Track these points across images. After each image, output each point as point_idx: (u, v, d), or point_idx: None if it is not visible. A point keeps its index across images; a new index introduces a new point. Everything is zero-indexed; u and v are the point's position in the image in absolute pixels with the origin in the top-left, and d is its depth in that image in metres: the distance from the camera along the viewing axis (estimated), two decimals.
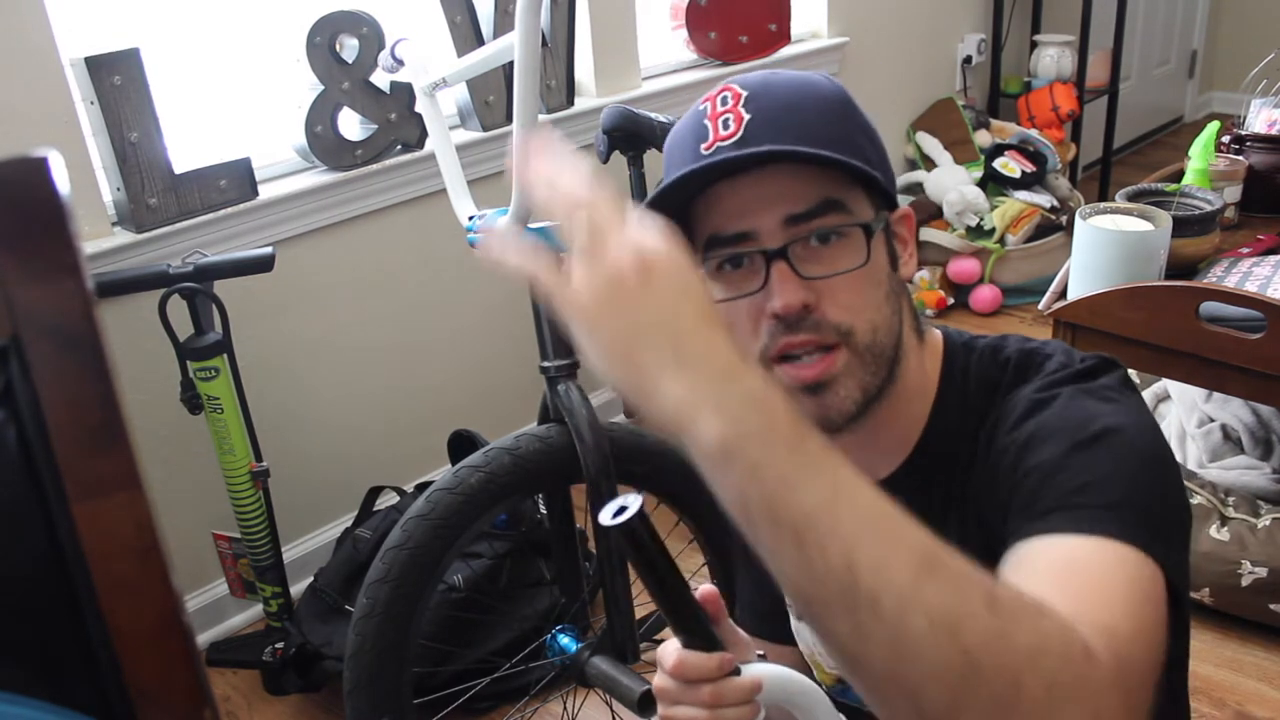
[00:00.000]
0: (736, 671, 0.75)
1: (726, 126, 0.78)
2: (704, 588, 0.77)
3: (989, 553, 0.82)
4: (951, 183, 3.27)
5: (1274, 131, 2.07)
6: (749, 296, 0.79)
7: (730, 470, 0.54)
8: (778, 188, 0.77)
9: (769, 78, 0.81)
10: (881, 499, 0.56)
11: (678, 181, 0.78)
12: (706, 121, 0.80)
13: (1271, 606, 1.89)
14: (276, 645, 1.97)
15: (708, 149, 0.78)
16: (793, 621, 1.01)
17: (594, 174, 0.57)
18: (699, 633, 0.74)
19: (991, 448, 0.81)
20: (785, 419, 0.54)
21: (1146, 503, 0.71)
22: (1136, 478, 0.73)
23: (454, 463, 2.04)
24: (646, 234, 0.56)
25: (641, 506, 0.66)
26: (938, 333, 0.89)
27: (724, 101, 0.79)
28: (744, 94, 0.79)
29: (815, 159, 0.76)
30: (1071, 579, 0.66)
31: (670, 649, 0.76)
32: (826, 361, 0.78)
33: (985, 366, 0.86)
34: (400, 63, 1.75)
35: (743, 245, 0.79)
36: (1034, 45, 3.87)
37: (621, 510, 0.63)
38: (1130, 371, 0.85)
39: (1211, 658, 1.89)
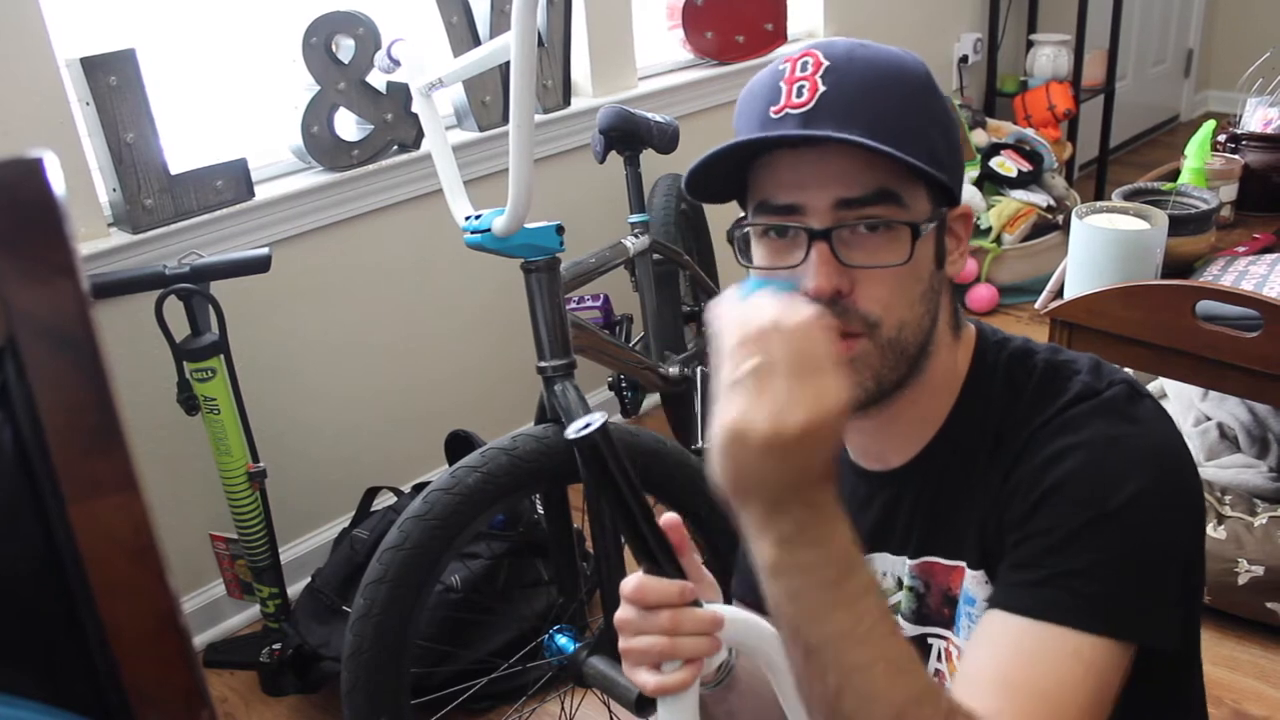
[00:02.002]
0: (698, 604, 0.73)
1: (800, 94, 0.77)
2: (667, 516, 0.76)
3: (989, 554, 0.83)
4: None
5: (1270, 130, 2.07)
6: (789, 269, 0.79)
7: (775, 586, 0.66)
8: (836, 168, 0.77)
9: (855, 51, 0.79)
10: (892, 645, 0.66)
11: (737, 145, 0.78)
12: (782, 84, 0.79)
13: (1268, 605, 1.90)
14: (274, 646, 1.97)
15: (776, 113, 0.78)
16: None
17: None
18: (661, 559, 0.73)
19: (1011, 459, 0.81)
20: (837, 558, 0.65)
21: (1148, 580, 0.75)
22: (1145, 558, 0.75)
23: (451, 463, 2.04)
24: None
25: (605, 422, 0.66)
26: (972, 327, 0.90)
27: (804, 67, 0.78)
28: (825, 64, 0.78)
29: (875, 152, 0.74)
30: (1035, 678, 0.72)
31: (632, 579, 0.74)
32: (846, 344, 0.78)
33: (1013, 368, 0.86)
34: (396, 63, 1.75)
35: (790, 218, 0.79)
36: (1030, 44, 3.87)
37: (587, 426, 0.64)
38: (1127, 370, 0.85)
39: (1208, 656, 1.87)
